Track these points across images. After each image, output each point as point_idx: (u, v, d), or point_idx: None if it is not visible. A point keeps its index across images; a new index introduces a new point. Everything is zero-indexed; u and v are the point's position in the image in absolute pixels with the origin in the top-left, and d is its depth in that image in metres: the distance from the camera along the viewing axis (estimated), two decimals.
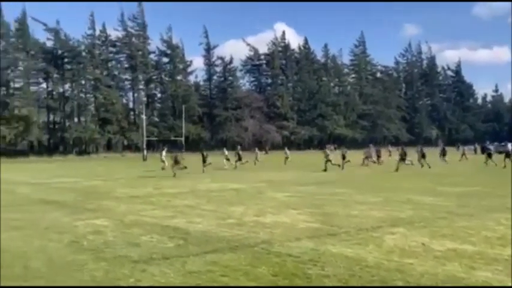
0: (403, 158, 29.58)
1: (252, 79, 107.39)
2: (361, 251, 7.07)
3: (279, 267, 6.22)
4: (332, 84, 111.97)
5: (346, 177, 23.40)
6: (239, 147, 39.65)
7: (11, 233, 8.96)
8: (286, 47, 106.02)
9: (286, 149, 45.48)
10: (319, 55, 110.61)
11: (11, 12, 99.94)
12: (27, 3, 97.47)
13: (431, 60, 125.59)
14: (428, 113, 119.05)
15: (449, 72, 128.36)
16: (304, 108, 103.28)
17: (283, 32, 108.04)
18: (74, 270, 6.13)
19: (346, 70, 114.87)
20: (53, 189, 19.48)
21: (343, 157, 32.04)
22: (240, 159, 34.67)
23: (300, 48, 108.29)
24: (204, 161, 31.95)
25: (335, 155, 33.80)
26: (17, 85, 78.79)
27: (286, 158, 41.40)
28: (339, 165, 30.18)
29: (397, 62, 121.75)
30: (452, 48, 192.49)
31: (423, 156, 31.05)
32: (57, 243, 7.86)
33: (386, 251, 7.07)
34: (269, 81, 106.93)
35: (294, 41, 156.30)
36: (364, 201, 13.15)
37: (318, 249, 7.16)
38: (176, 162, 29.10)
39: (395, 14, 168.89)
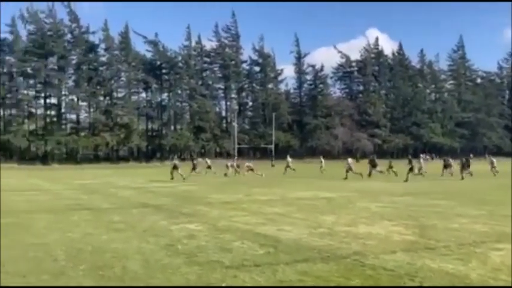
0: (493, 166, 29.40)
1: (343, 86, 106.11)
2: (463, 267, 6.61)
3: (374, 280, 5.98)
4: (428, 90, 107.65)
5: (441, 188, 22.21)
6: (196, 157, 40.17)
7: (112, 235, 9.45)
8: (379, 53, 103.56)
9: (321, 157, 44.54)
10: (414, 61, 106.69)
11: (116, 27, 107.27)
12: (130, 19, 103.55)
13: None
14: None
15: None
16: (398, 115, 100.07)
17: (376, 38, 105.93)
18: (169, 273, 6.31)
19: (443, 76, 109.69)
20: (151, 193, 20.42)
21: (445, 166, 31.02)
22: (194, 168, 35.29)
23: (393, 54, 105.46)
24: (193, 168, 35.38)
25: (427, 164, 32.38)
26: (119, 95, 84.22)
27: (321, 167, 40.62)
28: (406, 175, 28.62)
29: (500, 67, 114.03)
30: None
31: None
32: (154, 246, 8.16)
33: (492, 268, 6.54)
34: (361, 88, 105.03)
35: (388, 46, 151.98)
36: (464, 214, 12.36)
37: (414, 264, 6.79)
38: (193, 167, 34.13)
39: (497, 16, 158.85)
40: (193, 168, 35.68)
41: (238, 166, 37.77)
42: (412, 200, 16.51)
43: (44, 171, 53.17)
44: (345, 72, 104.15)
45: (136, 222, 11.27)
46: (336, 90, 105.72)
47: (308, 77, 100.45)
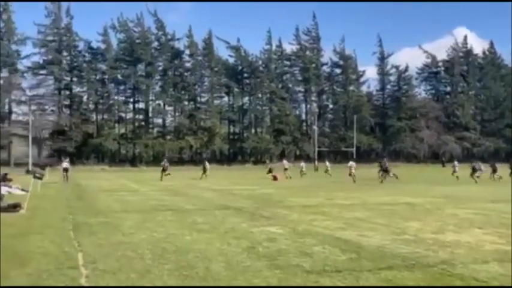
0: None
1: (429, 87, 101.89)
2: None
3: None
4: None
5: None
6: (165, 160, 40.63)
7: (195, 235, 9.71)
8: (468, 52, 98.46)
9: (326, 161, 46.26)
10: (507, 59, 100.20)
11: (199, 33, 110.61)
12: (213, 26, 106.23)
13: None
14: None
15: None
16: (489, 117, 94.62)
17: (465, 37, 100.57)
18: (250, 276, 6.35)
19: None
20: (232, 195, 20.79)
21: None
22: (164, 170, 36.32)
23: (484, 52, 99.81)
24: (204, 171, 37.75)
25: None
26: (203, 99, 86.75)
27: (326, 170, 41.94)
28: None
29: None
30: None
31: None
32: (235, 248, 8.26)
33: None
34: (448, 89, 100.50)
35: (477, 45, 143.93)
36: None
37: (510, 275, 6.34)
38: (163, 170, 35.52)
39: None
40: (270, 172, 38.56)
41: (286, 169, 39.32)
42: (504, 206, 15.46)
43: (133, 172, 55.90)
44: (431, 72, 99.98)
45: (218, 223, 11.49)
46: (421, 92, 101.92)
47: (391, 78, 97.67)
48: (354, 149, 76.80)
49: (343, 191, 23.05)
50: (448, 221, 12.01)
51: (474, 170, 32.73)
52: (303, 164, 44.06)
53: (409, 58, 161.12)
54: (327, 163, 43.81)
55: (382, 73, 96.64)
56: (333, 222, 11.74)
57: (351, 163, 34.55)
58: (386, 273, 6.48)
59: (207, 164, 40.45)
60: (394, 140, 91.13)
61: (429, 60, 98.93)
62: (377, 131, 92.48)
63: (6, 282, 6.13)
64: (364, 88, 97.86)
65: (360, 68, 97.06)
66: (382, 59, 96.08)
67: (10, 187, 20.74)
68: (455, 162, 38.36)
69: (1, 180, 20.57)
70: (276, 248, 8.23)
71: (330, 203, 17.07)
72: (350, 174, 32.93)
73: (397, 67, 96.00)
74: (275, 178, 35.15)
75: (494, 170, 34.78)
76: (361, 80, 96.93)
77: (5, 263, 7.07)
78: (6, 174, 23.40)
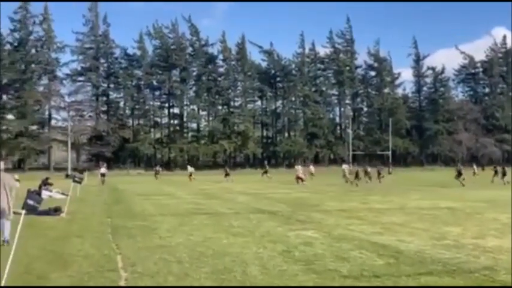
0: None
1: (467, 89, 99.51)
2: None
3: None
4: None
5: None
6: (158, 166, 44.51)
7: (231, 239, 9.75)
8: (508, 52, 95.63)
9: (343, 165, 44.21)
10: None
11: (233, 38, 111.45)
12: (246, 31, 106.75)
13: None
14: None
15: None
16: None
17: (504, 37, 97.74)
18: (287, 280, 6.33)
19: None
20: (266, 199, 20.78)
21: None
22: (157, 174, 39.37)
23: None
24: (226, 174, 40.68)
25: None
26: (236, 103, 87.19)
27: (311, 173, 41.21)
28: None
29: None
30: None
31: None
32: (271, 252, 8.25)
33: None
34: (486, 90, 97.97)
35: None
36: None
37: None
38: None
39: None
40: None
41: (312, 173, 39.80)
42: None
43: (168, 176, 56.59)
44: (469, 73, 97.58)
45: (254, 227, 11.51)
46: (458, 93, 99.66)
47: (428, 80, 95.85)
48: (390, 153, 75.70)
49: (379, 195, 22.71)
50: (489, 226, 11.68)
51: (460, 173, 32.31)
52: (345, 166, 40.86)
53: (446, 59, 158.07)
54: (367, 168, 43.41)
55: (418, 75, 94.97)
56: (370, 226, 11.59)
57: (345, 166, 36.17)
58: (426, 279, 6.35)
59: (189, 168, 44.40)
60: (431, 143, 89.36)
61: (467, 61, 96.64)
62: (413, 133, 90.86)
63: (46, 283, 6.30)
64: (399, 90, 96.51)
65: (395, 70, 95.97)
66: (418, 60, 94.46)
67: (51, 191, 21.31)
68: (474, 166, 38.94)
69: (42, 185, 21.18)
70: (312, 252, 8.18)
71: (366, 207, 16.85)
72: (344, 176, 35.18)
73: (433, 69, 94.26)
74: (300, 179, 35.27)
75: (504, 174, 34.18)
76: (397, 82, 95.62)
77: (48, 265, 7.27)
78: (47, 178, 24.06)
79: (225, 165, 46.62)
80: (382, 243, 9.06)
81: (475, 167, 36.35)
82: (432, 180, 38.00)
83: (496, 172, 34.57)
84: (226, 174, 41.65)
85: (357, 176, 32.83)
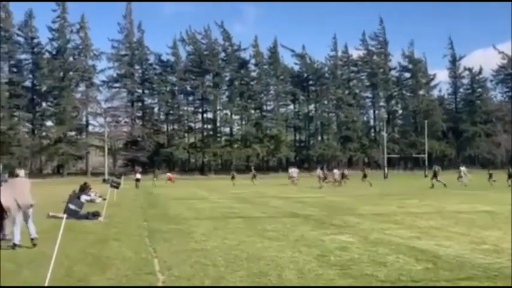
0: None
1: (506, 89, 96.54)
2: None
3: None
4: None
5: None
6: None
7: (265, 243, 9.75)
8: None
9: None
10: None
11: (265, 42, 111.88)
12: (278, 35, 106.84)
13: None
14: None
15: None
16: None
17: None
18: (323, 284, 6.29)
19: None
20: (299, 203, 20.70)
21: None
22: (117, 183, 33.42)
23: None
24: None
25: None
26: (268, 107, 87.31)
27: (365, 177, 40.07)
28: None
29: None
30: None
31: None
32: (307, 256, 8.21)
33: None
34: None
35: None
36: None
37: None
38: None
39: None
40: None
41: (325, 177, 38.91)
42: None
43: (202, 181, 57.09)
44: (507, 74, 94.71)
45: (288, 231, 11.48)
46: (496, 94, 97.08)
47: (464, 81, 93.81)
48: (426, 155, 74.18)
49: (416, 199, 22.31)
50: None
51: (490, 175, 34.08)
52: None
53: (483, 60, 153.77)
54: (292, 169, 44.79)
55: (454, 76, 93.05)
56: (407, 231, 11.39)
57: (292, 170, 38.13)
58: (466, 284, 6.21)
59: (156, 171, 48.19)
60: (468, 145, 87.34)
61: (505, 61, 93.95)
62: (450, 136, 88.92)
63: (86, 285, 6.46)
64: (435, 92, 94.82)
65: (430, 72, 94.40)
66: (454, 61, 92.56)
67: (89, 195, 21.79)
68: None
69: (81, 190, 21.64)
70: (348, 257, 8.10)
71: (403, 211, 16.57)
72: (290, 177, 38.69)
73: (470, 69, 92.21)
74: (324, 178, 36.78)
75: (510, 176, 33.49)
76: (432, 83, 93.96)
77: (88, 267, 7.44)
78: (85, 183, 24.57)
79: (251, 169, 48.45)
80: (420, 248, 8.90)
81: (510, 169, 35.11)
82: (469, 183, 37.03)
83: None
84: (253, 177, 44.24)
85: (325, 178, 35.70)
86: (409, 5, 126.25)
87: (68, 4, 76.22)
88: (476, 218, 14.14)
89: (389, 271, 6.98)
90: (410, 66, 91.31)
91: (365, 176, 40.31)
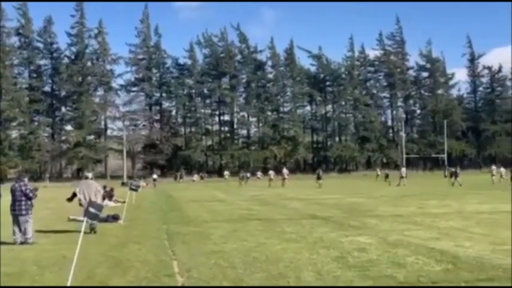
0: None
1: None
2: None
3: None
4: None
5: None
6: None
7: (284, 245, 9.76)
8: None
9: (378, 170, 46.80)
10: None
11: (281, 44, 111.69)
12: (294, 37, 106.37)
13: None
14: None
15: None
16: None
17: None
18: (342, 286, 6.28)
19: None
20: (318, 205, 20.64)
21: None
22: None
23: None
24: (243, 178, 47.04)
25: None
26: (285, 109, 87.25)
27: (383, 176, 43.17)
28: None
29: None
30: None
31: None
32: (325, 258, 8.20)
33: None
34: None
35: None
36: None
37: None
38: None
39: None
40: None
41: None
42: None
43: (220, 183, 57.25)
44: None
45: (307, 233, 11.47)
46: None
47: (483, 80, 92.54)
48: (445, 155, 73.39)
49: (436, 199, 22.09)
50: None
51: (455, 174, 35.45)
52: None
53: (502, 58, 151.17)
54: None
55: (473, 75, 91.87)
56: (426, 232, 11.31)
57: (271, 172, 44.55)
58: (487, 285, 6.14)
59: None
60: (488, 144, 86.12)
61: None
62: (469, 135, 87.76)
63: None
64: (453, 91, 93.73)
65: (449, 71, 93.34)
66: (473, 60, 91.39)
67: (117, 201, 21.73)
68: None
69: (109, 197, 21.64)
70: (366, 258, 8.07)
71: (422, 211, 16.42)
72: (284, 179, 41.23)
73: (489, 68, 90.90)
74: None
75: None
76: (450, 83, 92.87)
77: (108, 270, 7.55)
78: (109, 188, 24.14)
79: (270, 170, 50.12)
80: (440, 249, 8.83)
81: None
82: (490, 182, 36.53)
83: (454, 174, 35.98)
84: (241, 179, 48.60)
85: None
86: (426, 4, 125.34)
87: (86, 10, 77.31)
88: (497, 218, 13.95)
89: (409, 272, 6.94)
90: (428, 65, 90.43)
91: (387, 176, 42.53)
